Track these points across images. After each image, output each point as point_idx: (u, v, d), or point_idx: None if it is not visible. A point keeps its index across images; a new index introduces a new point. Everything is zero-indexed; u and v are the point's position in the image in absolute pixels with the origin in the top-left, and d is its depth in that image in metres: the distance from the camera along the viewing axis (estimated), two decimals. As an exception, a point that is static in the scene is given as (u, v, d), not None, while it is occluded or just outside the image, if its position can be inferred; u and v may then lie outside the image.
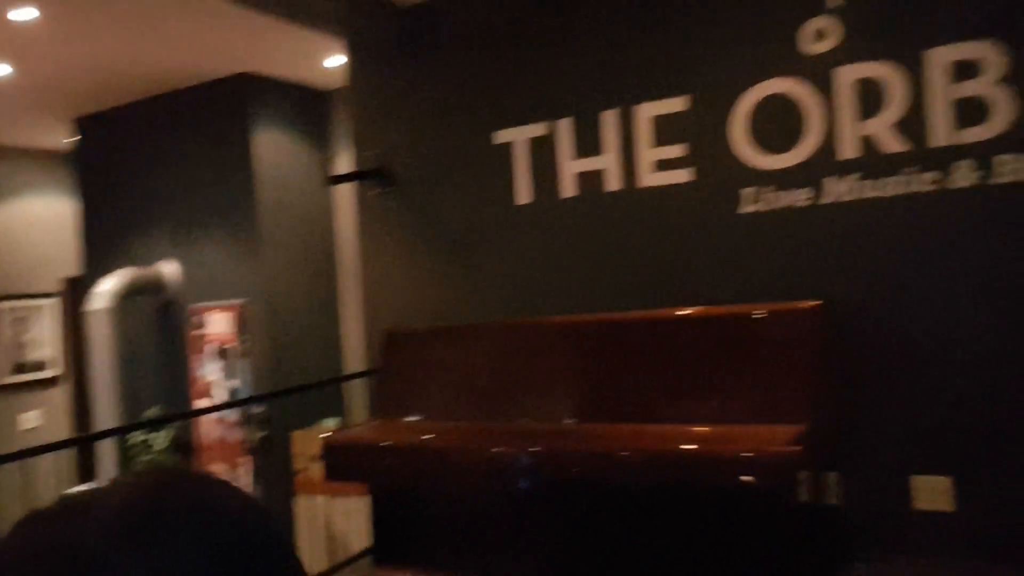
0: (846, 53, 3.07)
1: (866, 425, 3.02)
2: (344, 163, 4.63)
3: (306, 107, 5.43)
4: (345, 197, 5.14)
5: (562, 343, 3.37)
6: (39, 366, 6.29)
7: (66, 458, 5.70)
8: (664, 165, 3.43)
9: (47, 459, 4.89)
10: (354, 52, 4.37)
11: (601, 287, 3.53)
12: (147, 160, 5.50)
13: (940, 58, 2.92)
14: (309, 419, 4.73)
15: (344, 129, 5.20)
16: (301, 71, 5.18)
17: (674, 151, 3.41)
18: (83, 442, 5.54)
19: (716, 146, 3.30)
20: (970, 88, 2.88)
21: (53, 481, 4.99)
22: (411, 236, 4.13)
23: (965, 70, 2.89)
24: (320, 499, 4.49)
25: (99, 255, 5.66)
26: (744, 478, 2.50)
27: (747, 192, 3.25)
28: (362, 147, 4.30)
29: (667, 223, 3.42)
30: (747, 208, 3.25)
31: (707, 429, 2.80)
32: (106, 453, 5.04)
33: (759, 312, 2.95)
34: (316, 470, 4.02)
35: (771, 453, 2.50)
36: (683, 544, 2.91)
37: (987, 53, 2.85)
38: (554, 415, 3.18)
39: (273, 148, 5.19)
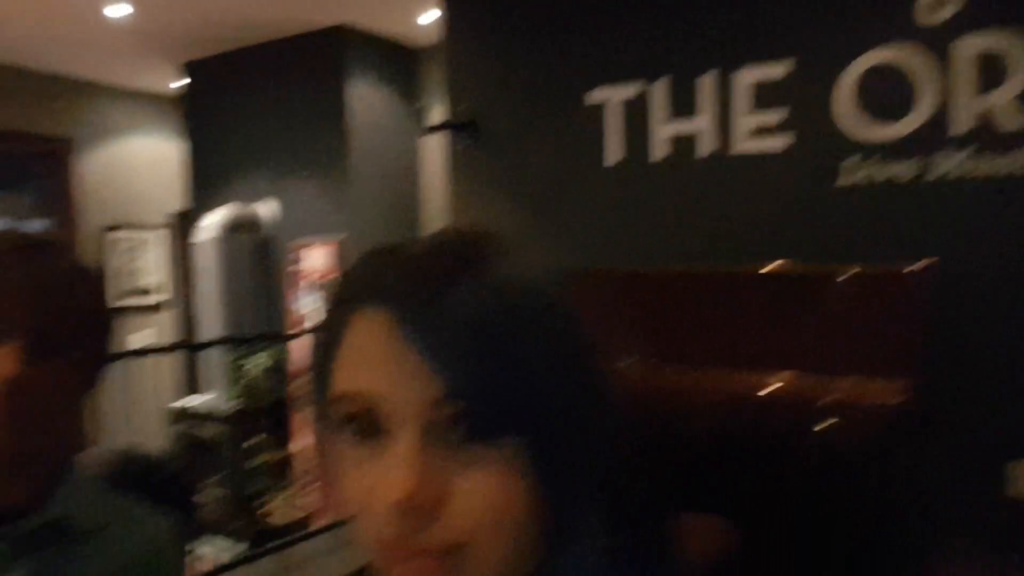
0: (967, 21, 2.70)
1: (961, 401, 2.72)
2: (435, 117, 4.44)
3: (398, 62, 5.25)
4: (434, 150, 4.96)
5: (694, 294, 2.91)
6: (145, 292, 6.37)
7: (169, 375, 5.77)
8: (761, 131, 3.13)
9: (152, 375, 4.94)
10: (450, 7, 4.14)
11: (687, 250, 3.29)
12: (249, 106, 5.42)
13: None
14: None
15: (435, 85, 5.00)
16: (394, 26, 4.98)
17: (772, 117, 3.10)
18: (190, 348, 5.61)
19: (818, 114, 2.99)
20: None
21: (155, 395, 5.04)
22: (496, 189, 3.94)
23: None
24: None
25: (204, 192, 5.65)
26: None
27: (849, 163, 2.94)
28: (454, 101, 4.10)
29: (762, 190, 3.14)
30: (847, 180, 2.94)
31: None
32: (211, 368, 5.09)
33: (869, 270, 2.60)
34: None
35: (878, 404, 2.19)
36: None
37: None
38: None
39: (365, 101, 5.06)
